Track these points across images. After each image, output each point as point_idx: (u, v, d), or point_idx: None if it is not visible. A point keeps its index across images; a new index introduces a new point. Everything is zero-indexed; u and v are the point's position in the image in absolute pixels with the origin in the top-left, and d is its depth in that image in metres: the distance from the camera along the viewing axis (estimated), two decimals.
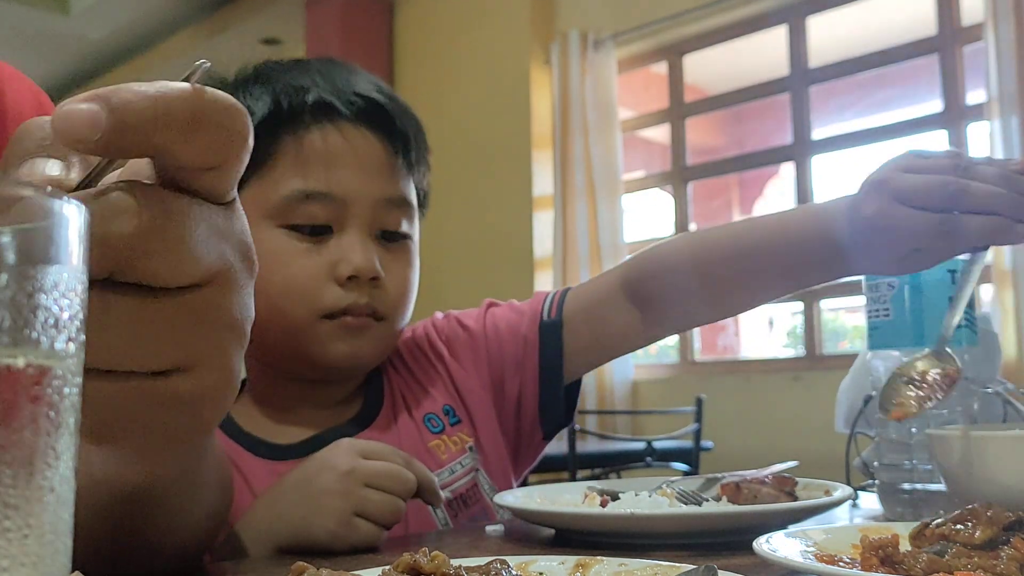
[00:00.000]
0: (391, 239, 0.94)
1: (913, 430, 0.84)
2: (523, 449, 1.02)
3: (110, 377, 0.38)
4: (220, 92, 0.36)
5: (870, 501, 0.92)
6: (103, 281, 0.35)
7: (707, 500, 0.82)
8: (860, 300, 0.90)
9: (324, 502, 0.73)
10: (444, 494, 0.91)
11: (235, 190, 0.40)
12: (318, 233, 0.90)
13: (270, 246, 0.89)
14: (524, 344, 0.99)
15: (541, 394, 0.99)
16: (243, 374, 0.44)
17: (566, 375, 0.99)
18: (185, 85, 0.36)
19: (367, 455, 0.76)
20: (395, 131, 0.94)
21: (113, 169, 0.37)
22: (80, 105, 0.32)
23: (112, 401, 0.39)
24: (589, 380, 3.73)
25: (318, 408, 0.96)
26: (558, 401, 0.99)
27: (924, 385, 0.73)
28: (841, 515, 0.87)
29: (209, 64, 0.39)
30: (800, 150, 3.71)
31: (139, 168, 0.38)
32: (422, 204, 1.00)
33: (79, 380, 0.28)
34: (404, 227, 0.94)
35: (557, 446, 2.65)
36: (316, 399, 0.96)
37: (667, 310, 0.95)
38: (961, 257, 0.78)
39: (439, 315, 1.07)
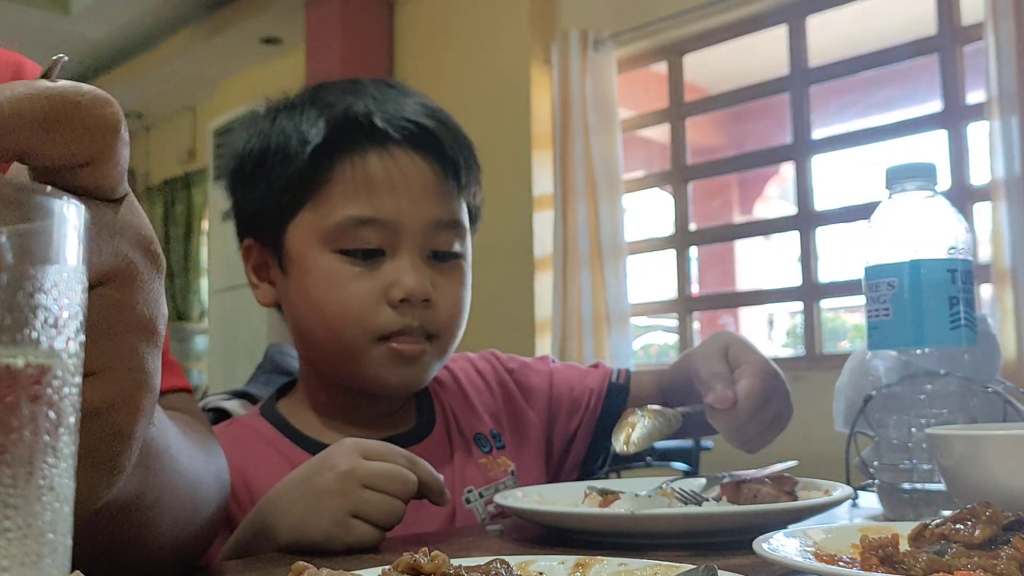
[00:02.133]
0: (443, 259, 0.96)
1: (913, 430, 0.84)
2: (557, 479, 1.10)
3: None
4: (80, 85, 0.35)
5: (870, 501, 0.92)
6: None
7: (707, 500, 0.82)
8: (860, 300, 0.90)
9: (321, 502, 0.73)
10: (488, 508, 0.94)
11: (125, 184, 0.39)
12: (371, 257, 0.92)
13: (325, 270, 0.92)
14: (590, 393, 1.10)
15: (593, 440, 1.09)
16: (159, 374, 0.40)
17: None
18: (38, 83, 0.34)
19: (368, 455, 0.75)
20: (445, 154, 0.96)
21: None
22: None
23: None
24: None
25: (373, 419, 1.00)
26: (604, 450, 1.09)
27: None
28: (841, 515, 0.87)
29: (67, 58, 0.37)
30: (800, 150, 3.71)
31: (18, 173, 0.36)
32: (474, 220, 1.03)
33: (79, 380, 0.28)
34: (456, 247, 0.97)
35: None
36: (372, 411, 1.00)
37: None
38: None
39: (499, 353, 1.15)
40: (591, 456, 1.10)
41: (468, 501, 0.97)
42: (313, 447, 0.91)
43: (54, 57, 0.36)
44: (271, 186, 0.95)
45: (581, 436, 1.10)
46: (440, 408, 1.04)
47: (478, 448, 1.02)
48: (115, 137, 0.35)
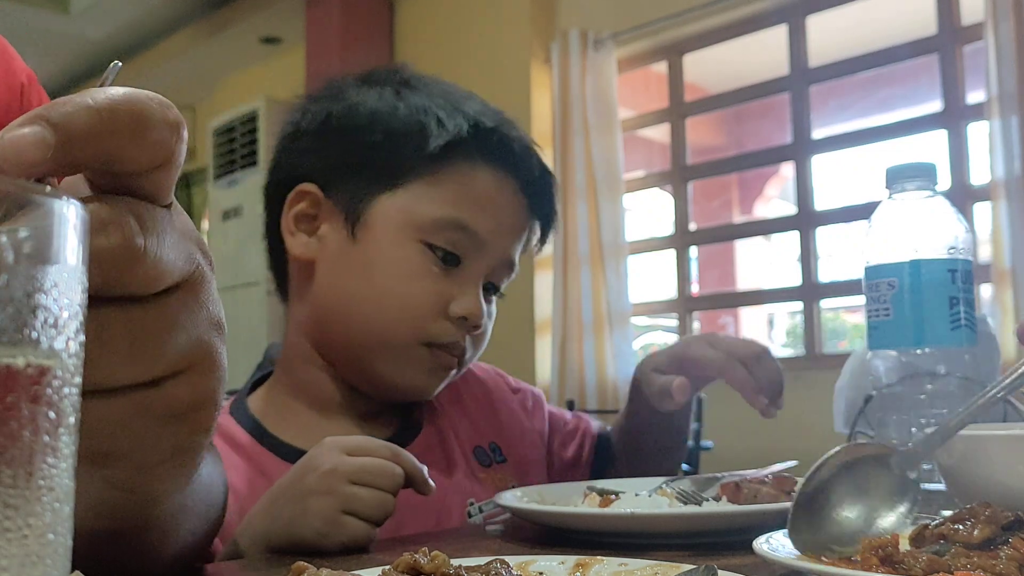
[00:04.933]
0: (488, 291, 0.98)
1: (913, 430, 0.84)
2: None
3: (107, 396, 0.37)
4: (146, 92, 0.35)
5: None
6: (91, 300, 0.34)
7: (707, 500, 0.82)
8: (860, 300, 0.90)
9: (309, 503, 0.73)
10: (494, 526, 0.94)
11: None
12: (448, 261, 0.93)
13: (404, 257, 0.92)
14: (583, 428, 1.18)
15: (595, 462, 1.17)
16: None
17: None
18: (116, 90, 0.34)
19: (351, 451, 0.75)
20: (544, 209, 1.01)
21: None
22: (23, 130, 0.31)
23: (112, 421, 0.38)
24: (591, 380, 3.73)
25: (362, 415, 0.99)
26: (604, 473, 1.15)
27: None
28: None
29: (121, 64, 0.38)
30: (800, 150, 3.71)
31: (72, 184, 0.37)
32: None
33: (79, 380, 0.28)
34: (503, 284, 1.00)
35: None
36: (363, 407, 0.98)
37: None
38: None
39: (503, 372, 1.19)
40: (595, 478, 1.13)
41: (470, 515, 0.97)
42: (289, 453, 0.90)
43: (112, 64, 0.37)
44: (375, 153, 0.93)
45: (584, 458, 1.16)
46: (431, 418, 1.03)
47: (477, 462, 1.03)
48: (181, 140, 0.36)
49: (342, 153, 0.95)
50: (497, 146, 0.95)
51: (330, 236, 0.94)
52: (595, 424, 1.21)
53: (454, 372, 0.97)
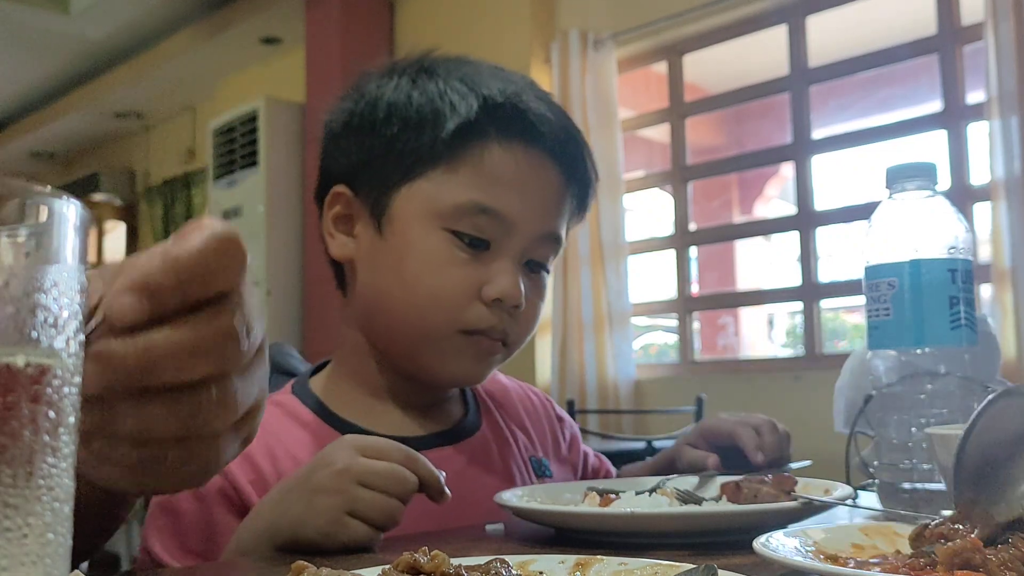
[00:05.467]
0: (533, 268, 0.96)
1: (913, 430, 0.84)
2: None
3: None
4: (217, 227, 0.44)
5: (870, 501, 0.92)
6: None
7: (705, 500, 0.82)
8: (860, 300, 0.90)
9: (317, 500, 0.73)
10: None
11: None
12: (476, 246, 0.91)
13: (430, 248, 0.90)
14: (604, 469, 1.20)
15: None
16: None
17: None
18: (194, 243, 0.43)
19: (366, 452, 0.74)
20: (578, 172, 0.97)
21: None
22: (123, 299, 0.43)
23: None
24: (591, 380, 3.73)
25: (419, 406, 0.99)
26: None
27: None
28: (841, 515, 0.87)
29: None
30: (800, 150, 3.71)
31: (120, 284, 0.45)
32: (568, 229, 1.02)
33: (79, 380, 0.28)
34: (549, 261, 0.97)
35: None
36: (419, 398, 0.99)
37: None
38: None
39: (546, 395, 1.20)
40: None
41: None
42: (351, 432, 0.89)
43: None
44: (393, 145, 0.92)
45: None
46: (491, 419, 1.04)
47: (534, 471, 1.04)
48: (244, 270, 0.46)
49: (365, 150, 0.95)
50: (510, 120, 0.91)
51: (363, 234, 0.95)
52: (614, 469, 1.22)
53: (499, 356, 0.95)
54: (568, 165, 0.95)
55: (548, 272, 0.98)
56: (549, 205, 0.94)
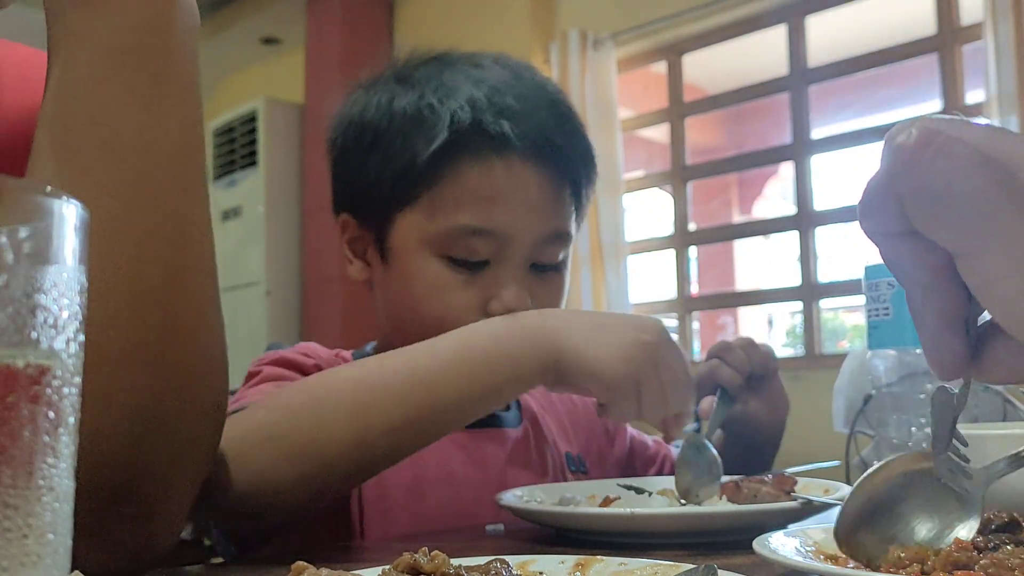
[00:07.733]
0: (543, 269, 0.95)
1: (913, 430, 0.84)
2: None
3: None
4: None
5: None
6: None
7: (701, 501, 0.82)
8: (860, 300, 0.90)
9: (606, 337, 0.75)
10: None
11: None
12: (475, 267, 0.90)
13: (428, 275, 0.90)
14: (663, 453, 1.18)
15: None
16: None
17: None
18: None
19: (672, 351, 0.78)
20: (567, 169, 0.95)
21: None
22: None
23: None
24: None
25: None
26: None
27: None
28: None
29: None
30: (799, 150, 3.71)
31: None
32: (579, 220, 1.01)
33: (78, 380, 0.28)
34: (559, 258, 0.96)
35: None
36: None
37: None
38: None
39: None
40: None
41: None
42: None
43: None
44: (381, 175, 0.92)
45: None
46: (530, 415, 1.04)
47: (568, 467, 1.03)
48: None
49: (359, 178, 0.95)
50: (482, 134, 0.89)
51: (373, 261, 0.97)
52: (674, 450, 1.20)
53: None
54: (555, 161, 0.93)
55: (562, 269, 0.97)
56: (540, 208, 0.92)
